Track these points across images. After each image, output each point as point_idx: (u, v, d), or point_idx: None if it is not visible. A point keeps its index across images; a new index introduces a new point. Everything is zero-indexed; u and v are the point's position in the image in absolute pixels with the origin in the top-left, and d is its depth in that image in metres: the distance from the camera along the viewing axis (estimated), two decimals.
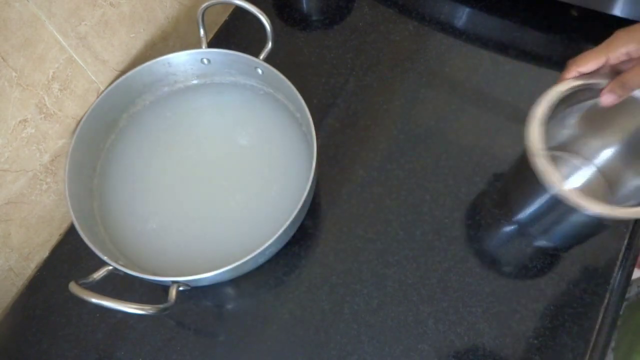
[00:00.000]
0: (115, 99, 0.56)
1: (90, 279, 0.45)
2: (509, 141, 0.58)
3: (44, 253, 0.57)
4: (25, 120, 0.48)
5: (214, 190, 0.55)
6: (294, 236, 0.51)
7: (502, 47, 0.64)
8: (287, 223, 0.46)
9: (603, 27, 0.65)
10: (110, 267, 0.46)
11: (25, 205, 0.52)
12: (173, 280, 0.45)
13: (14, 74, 0.45)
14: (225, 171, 0.56)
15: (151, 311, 0.43)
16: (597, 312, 0.49)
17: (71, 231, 0.57)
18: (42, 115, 0.50)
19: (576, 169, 0.54)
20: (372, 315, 0.51)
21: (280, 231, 0.46)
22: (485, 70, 0.63)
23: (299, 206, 0.47)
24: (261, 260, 0.49)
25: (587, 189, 0.53)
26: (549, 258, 0.52)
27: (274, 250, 0.49)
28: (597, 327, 0.49)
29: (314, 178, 0.48)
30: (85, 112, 0.53)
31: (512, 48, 0.64)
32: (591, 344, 0.48)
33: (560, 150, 0.54)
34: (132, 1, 0.55)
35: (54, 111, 0.51)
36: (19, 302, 0.55)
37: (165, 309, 0.43)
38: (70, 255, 0.56)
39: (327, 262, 0.54)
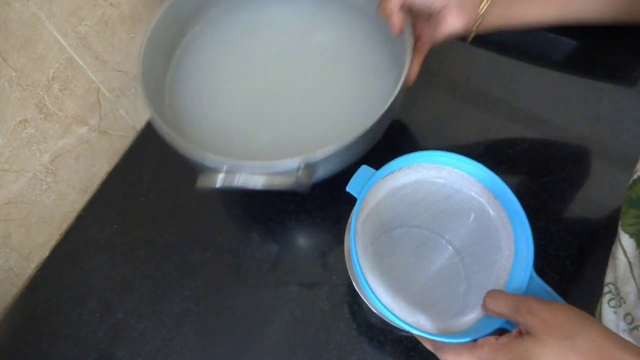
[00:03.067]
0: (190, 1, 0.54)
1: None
2: (508, 141, 0.58)
3: (44, 253, 0.57)
4: (25, 120, 0.48)
5: (288, 93, 0.54)
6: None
7: (502, 47, 0.64)
8: (388, 103, 0.44)
9: (602, 26, 0.65)
10: (223, 171, 0.43)
11: (25, 205, 0.52)
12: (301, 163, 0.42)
13: (14, 74, 0.45)
14: (301, 75, 0.55)
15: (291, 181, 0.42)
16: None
17: (71, 231, 0.57)
18: (42, 115, 0.50)
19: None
20: (372, 315, 0.51)
21: (385, 108, 0.44)
22: (485, 70, 0.63)
23: (391, 100, 0.44)
24: (360, 149, 0.47)
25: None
26: (548, 258, 0.52)
27: (373, 138, 0.47)
28: None
29: (404, 82, 0.46)
30: (162, 10, 0.51)
31: (512, 48, 0.64)
32: None
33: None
34: (132, 1, 0.55)
35: (54, 111, 0.51)
36: (19, 302, 0.55)
37: (301, 184, 0.42)
38: (70, 255, 0.56)
39: (327, 262, 0.54)
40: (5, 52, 0.44)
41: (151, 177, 0.59)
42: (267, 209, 0.57)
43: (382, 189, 0.43)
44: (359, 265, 0.38)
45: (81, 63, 0.52)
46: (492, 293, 0.38)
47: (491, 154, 0.58)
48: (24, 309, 0.54)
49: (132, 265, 0.55)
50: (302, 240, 0.55)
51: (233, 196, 0.58)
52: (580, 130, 0.58)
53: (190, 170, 0.59)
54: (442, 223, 0.47)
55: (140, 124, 0.63)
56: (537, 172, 0.57)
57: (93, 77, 0.54)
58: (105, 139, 0.59)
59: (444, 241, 0.49)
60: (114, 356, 0.51)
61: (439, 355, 0.39)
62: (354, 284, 0.44)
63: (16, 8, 0.43)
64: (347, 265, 0.44)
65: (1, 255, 0.52)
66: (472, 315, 0.40)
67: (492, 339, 0.37)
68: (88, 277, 0.54)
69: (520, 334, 0.35)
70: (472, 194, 0.43)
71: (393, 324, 0.39)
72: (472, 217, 0.44)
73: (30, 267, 0.56)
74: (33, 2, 0.44)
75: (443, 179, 0.43)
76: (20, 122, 0.48)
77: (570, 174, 0.56)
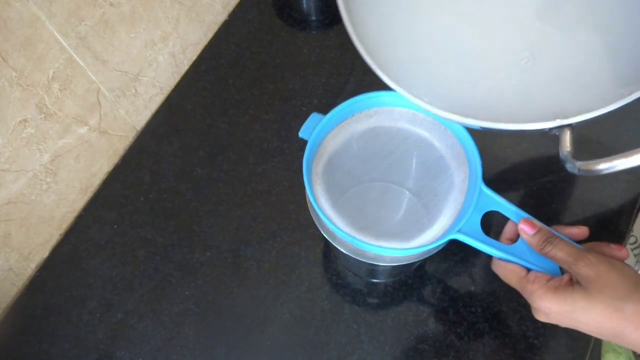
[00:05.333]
0: None
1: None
2: (509, 141, 0.58)
3: (44, 253, 0.57)
4: (25, 120, 0.48)
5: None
6: None
7: None
8: None
9: None
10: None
11: (25, 205, 0.52)
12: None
13: (14, 74, 0.45)
14: None
15: None
16: None
17: (71, 231, 0.57)
18: (42, 115, 0.50)
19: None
20: (372, 315, 0.51)
21: None
22: None
23: None
24: None
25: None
26: None
27: None
28: None
29: None
30: None
31: None
32: (591, 344, 0.48)
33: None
34: (132, 1, 0.55)
35: (54, 111, 0.51)
36: (19, 302, 0.55)
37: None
38: (70, 255, 0.56)
39: (327, 262, 0.54)
40: (5, 52, 0.44)
41: (151, 177, 0.59)
42: (266, 209, 0.57)
43: (335, 144, 0.45)
44: (316, 202, 0.40)
45: (81, 63, 0.52)
46: (549, 236, 0.37)
47: (491, 154, 0.58)
48: (24, 309, 0.54)
49: (132, 265, 0.55)
50: (304, 240, 0.55)
51: (233, 196, 0.58)
52: (580, 130, 0.58)
53: (189, 170, 0.59)
54: (394, 170, 0.50)
55: (140, 124, 0.63)
56: (537, 172, 0.57)
57: (93, 77, 0.54)
58: (105, 139, 0.59)
59: (398, 187, 0.52)
60: (114, 356, 0.51)
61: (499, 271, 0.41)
62: (325, 236, 0.44)
63: (16, 8, 0.43)
64: (316, 222, 0.44)
65: (1, 255, 0.52)
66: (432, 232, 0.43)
67: (544, 278, 0.37)
68: (88, 277, 0.54)
69: (571, 281, 0.36)
70: (420, 131, 0.45)
71: (364, 256, 0.42)
72: (418, 158, 0.47)
73: (30, 267, 0.56)
74: (33, 2, 0.44)
75: (394, 120, 0.45)
76: (20, 122, 0.48)
77: (570, 174, 0.56)
